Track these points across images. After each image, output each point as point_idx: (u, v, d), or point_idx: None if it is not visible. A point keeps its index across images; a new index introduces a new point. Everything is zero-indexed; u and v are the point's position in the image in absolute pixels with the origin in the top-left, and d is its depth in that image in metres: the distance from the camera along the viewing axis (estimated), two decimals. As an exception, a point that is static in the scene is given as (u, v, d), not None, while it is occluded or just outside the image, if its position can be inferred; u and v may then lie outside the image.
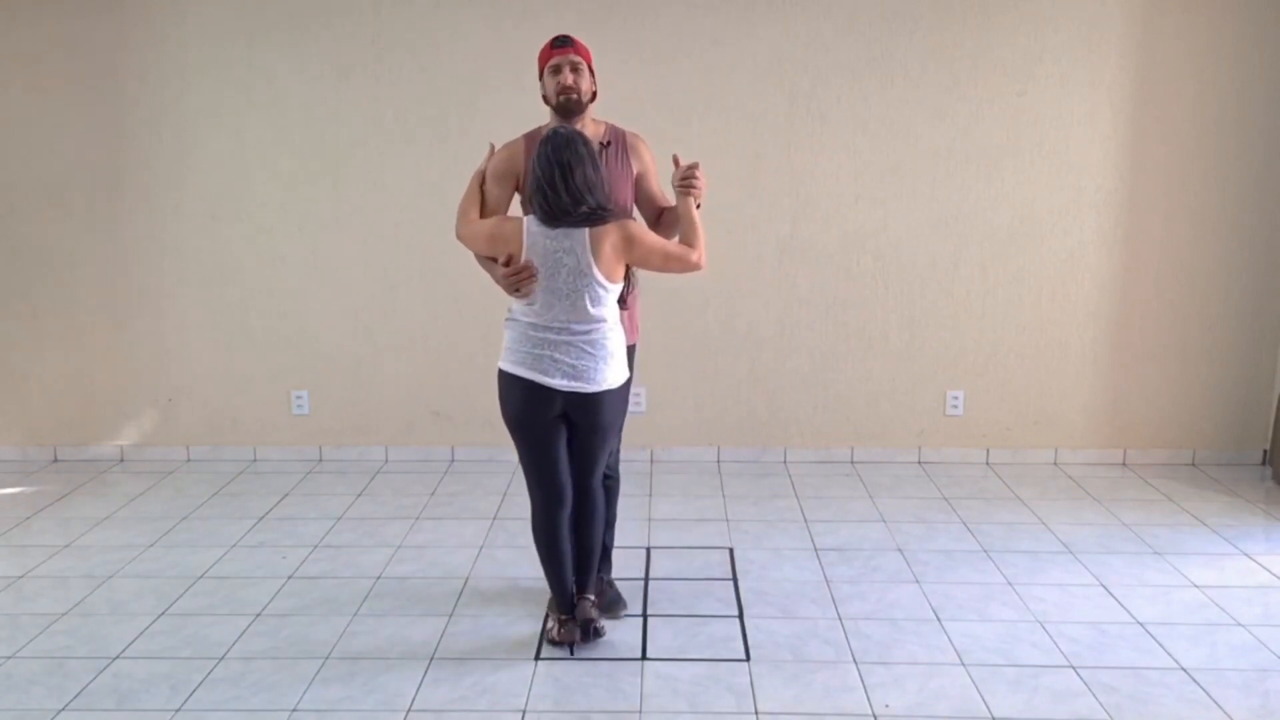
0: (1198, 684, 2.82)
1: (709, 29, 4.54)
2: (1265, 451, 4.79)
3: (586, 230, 2.81)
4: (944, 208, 4.65)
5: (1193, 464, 4.81)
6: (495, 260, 2.96)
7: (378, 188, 4.71)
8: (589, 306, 2.84)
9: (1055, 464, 4.83)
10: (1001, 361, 4.77)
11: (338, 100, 4.64)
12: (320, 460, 4.93)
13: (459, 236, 3.13)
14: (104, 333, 4.85)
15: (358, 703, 2.75)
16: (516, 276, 2.86)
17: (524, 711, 2.70)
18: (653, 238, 2.94)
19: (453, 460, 4.92)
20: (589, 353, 2.87)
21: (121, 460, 4.95)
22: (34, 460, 4.96)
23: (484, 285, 4.77)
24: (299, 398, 4.89)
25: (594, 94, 3.12)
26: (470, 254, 4.92)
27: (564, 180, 2.78)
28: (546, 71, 3.07)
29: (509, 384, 2.95)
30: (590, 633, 3.03)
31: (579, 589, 3.09)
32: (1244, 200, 4.60)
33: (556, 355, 2.87)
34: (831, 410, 4.84)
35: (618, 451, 3.26)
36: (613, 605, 3.25)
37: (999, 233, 4.66)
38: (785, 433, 4.86)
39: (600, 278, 2.83)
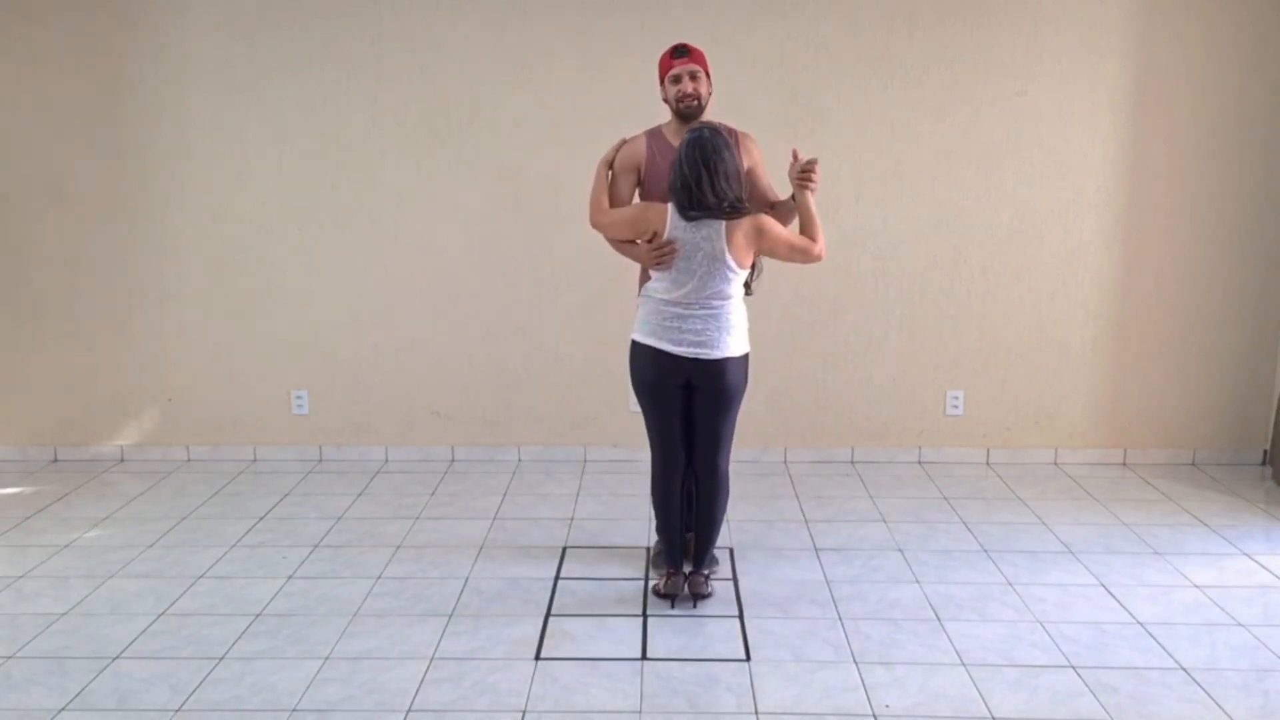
0: (1198, 684, 2.82)
1: (709, 28, 4.54)
2: (1265, 451, 4.79)
3: (723, 221, 3.08)
4: (944, 208, 4.65)
5: (1193, 464, 4.81)
6: (632, 243, 3.27)
7: (378, 187, 4.71)
8: (718, 286, 3.13)
9: (1055, 464, 4.83)
10: (1001, 361, 4.77)
11: (338, 100, 4.64)
12: (320, 460, 4.93)
13: (595, 224, 3.38)
14: (104, 333, 4.85)
15: (358, 703, 2.75)
16: (660, 252, 3.14)
17: (524, 711, 2.70)
18: (780, 229, 3.18)
19: (453, 460, 4.92)
20: (713, 324, 3.16)
21: (121, 460, 4.95)
22: (34, 460, 4.96)
23: (483, 284, 4.79)
24: (299, 398, 4.89)
25: (709, 94, 3.39)
26: (474, 253, 4.94)
27: (710, 180, 3.04)
28: (667, 80, 3.35)
29: (641, 353, 3.26)
30: (697, 602, 3.32)
31: (695, 563, 3.39)
32: (1244, 200, 4.60)
33: (684, 327, 3.16)
34: (831, 410, 4.84)
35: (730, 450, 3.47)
36: (710, 563, 3.53)
37: (999, 233, 4.66)
38: (785, 433, 4.86)
39: (732, 263, 3.12)
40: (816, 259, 3.22)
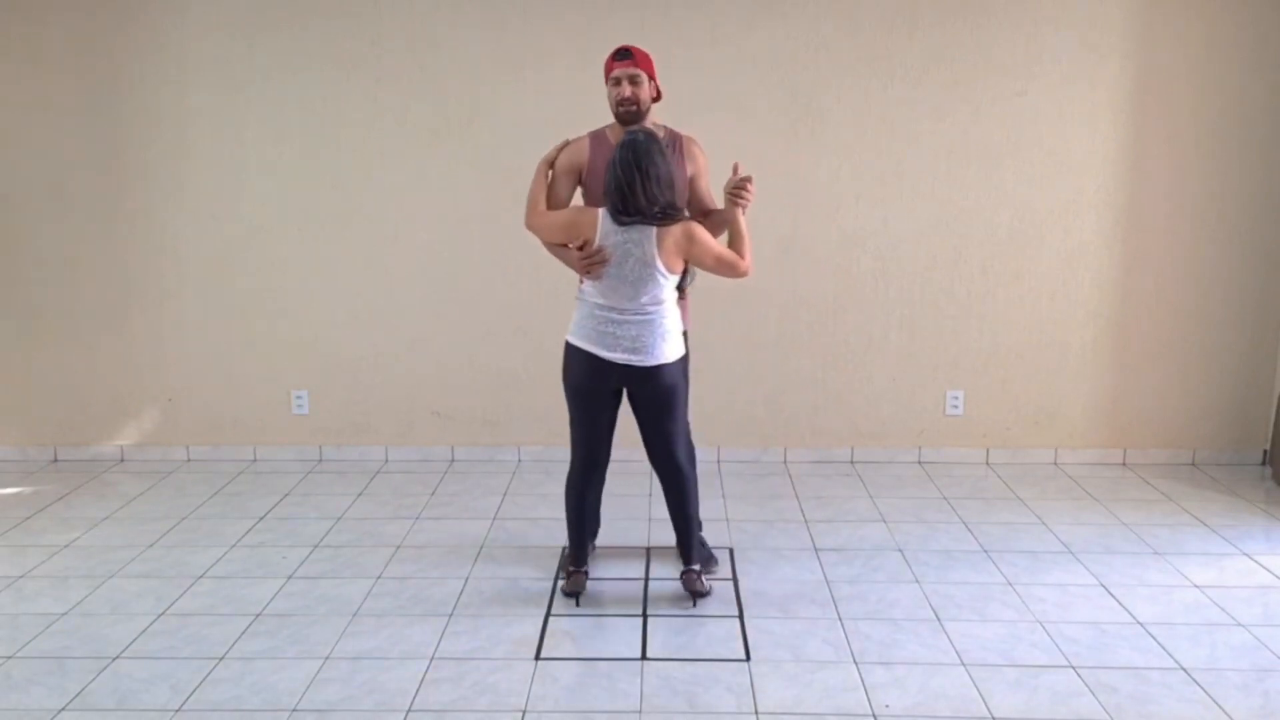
0: (1198, 684, 2.82)
1: (709, 29, 4.54)
2: (1265, 451, 4.79)
3: (655, 226, 3.08)
4: (944, 208, 4.65)
5: (1193, 464, 4.81)
6: (565, 246, 3.24)
7: (378, 188, 4.71)
8: (651, 291, 3.13)
9: (1055, 464, 4.83)
10: (1001, 361, 4.77)
11: (338, 100, 4.64)
12: (320, 460, 4.93)
13: (529, 226, 3.35)
14: (104, 333, 4.85)
15: (358, 703, 2.75)
16: (590, 260, 3.12)
17: (524, 711, 2.70)
18: (710, 240, 3.19)
19: (453, 460, 4.92)
20: (647, 330, 3.15)
21: (121, 460, 4.95)
22: (34, 460, 4.96)
23: (483, 285, 4.79)
24: (299, 398, 4.89)
25: (658, 95, 3.37)
26: (474, 253, 4.93)
27: (643, 184, 3.04)
28: (609, 82, 3.31)
29: (573, 355, 3.24)
30: (695, 600, 3.33)
31: (684, 561, 3.40)
32: (1244, 200, 4.60)
33: (618, 333, 3.16)
34: (831, 410, 4.84)
35: (689, 436, 3.45)
36: (707, 562, 3.55)
37: (999, 233, 4.66)
38: (785, 433, 4.86)
39: (662, 268, 3.11)
40: (743, 275, 3.21)
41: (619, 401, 3.32)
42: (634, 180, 3.03)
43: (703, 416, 4.87)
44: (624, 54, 3.26)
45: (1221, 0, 4.46)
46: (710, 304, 4.72)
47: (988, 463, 4.85)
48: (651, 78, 3.31)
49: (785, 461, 4.86)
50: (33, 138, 4.70)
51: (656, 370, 3.18)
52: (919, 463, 4.85)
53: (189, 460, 4.95)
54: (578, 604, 3.32)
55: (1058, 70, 4.53)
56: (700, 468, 4.76)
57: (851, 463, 4.85)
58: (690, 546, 3.39)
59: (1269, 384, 4.75)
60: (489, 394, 4.87)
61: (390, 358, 4.85)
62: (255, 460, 4.94)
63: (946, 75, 4.55)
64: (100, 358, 4.88)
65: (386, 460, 4.93)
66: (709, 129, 4.56)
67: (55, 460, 4.97)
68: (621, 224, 3.08)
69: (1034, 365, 4.77)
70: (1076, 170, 4.60)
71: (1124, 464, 4.83)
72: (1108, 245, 4.66)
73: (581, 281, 3.29)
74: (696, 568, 3.39)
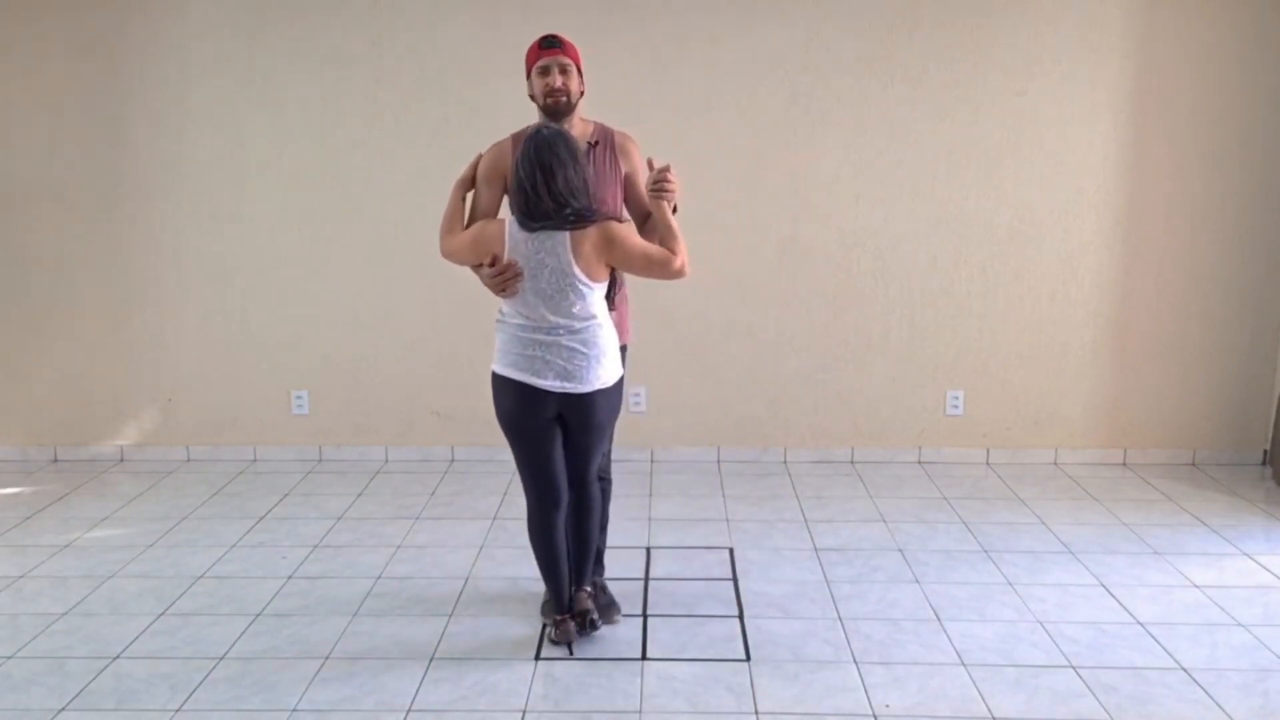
0: (1198, 684, 2.82)
1: (709, 28, 4.54)
2: (1265, 451, 4.79)
3: (567, 231, 2.79)
4: (944, 208, 4.65)
5: (1193, 464, 4.81)
6: (481, 265, 2.93)
7: (377, 187, 4.71)
8: (574, 305, 2.83)
9: (1055, 464, 4.83)
10: (1001, 361, 4.77)
11: (337, 99, 4.64)
12: (320, 460, 4.93)
13: (443, 252, 3.06)
14: (104, 333, 4.85)
15: (358, 703, 2.75)
16: (501, 276, 2.84)
17: (524, 711, 2.70)
18: (634, 240, 2.90)
19: (453, 460, 4.92)
20: (580, 352, 2.86)
21: (121, 460, 4.95)
22: (34, 460, 4.96)
23: (483, 285, 4.78)
24: (299, 398, 4.89)
25: (581, 93, 3.09)
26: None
27: (547, 184, 2.75)
28: (535, 72, 3.03)
29: (502, 386, 2.95)
30: (587, 624, 3.05)
31: (576, 583, 3.11)
32: (1244, 200, 4.60)
33: (547, 356, 2.86)
34: (831, 410, 4.83)
35: (609, 454, 3.27)
36: (608, 610, 3.19)
37: (999, 233, 4.66)
38: (785, 433, 4.86)
39: (582, 277, 2.81)
40: (677, 274, 2.87)
41: (561, 426, 2.98)
42: (536, 180, 2.73)
43: (703, 416, 4.88)
44: (552, 42, 3.02)
45: (1221, 0, 4.46)
46: (709, 303, 4.73)
47: (988, 463, 4.85)
48: (579, 71, 3.06)
49: (785, 461, 4.86)
50: (33, 137, 4.70)
51: (592, 399, 2.88)
52: (919, 463, 4.85)
53: (189, 460, 4.95)
54: (570, 653, 3.00)
55: (1058, 70, 4.53)
56: (700, 467, 4.79)
57: (851, 463, 4.85)
58: (584, 571, 3.12)
59: (1269, 384, 4.75)
60: (489, 394, 4.85)
61: (390, 358, 4.85)
62: (255, 460, 4.94)
63: (946, 75, 4.55)
64: (100, 358, 4.88)
65: (386, 460, 4.93)
66: (709, 129, 4.60)
67: (55, 460, 4.97)
68: (530, 230, 2.78)
69: (1034, 365, 4.77)
70: (1076, 170, 4.60)
71: (1124, 464, 4.83)
72: (1108, 245, 4.66)
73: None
74: (588, 588, 3.13)
